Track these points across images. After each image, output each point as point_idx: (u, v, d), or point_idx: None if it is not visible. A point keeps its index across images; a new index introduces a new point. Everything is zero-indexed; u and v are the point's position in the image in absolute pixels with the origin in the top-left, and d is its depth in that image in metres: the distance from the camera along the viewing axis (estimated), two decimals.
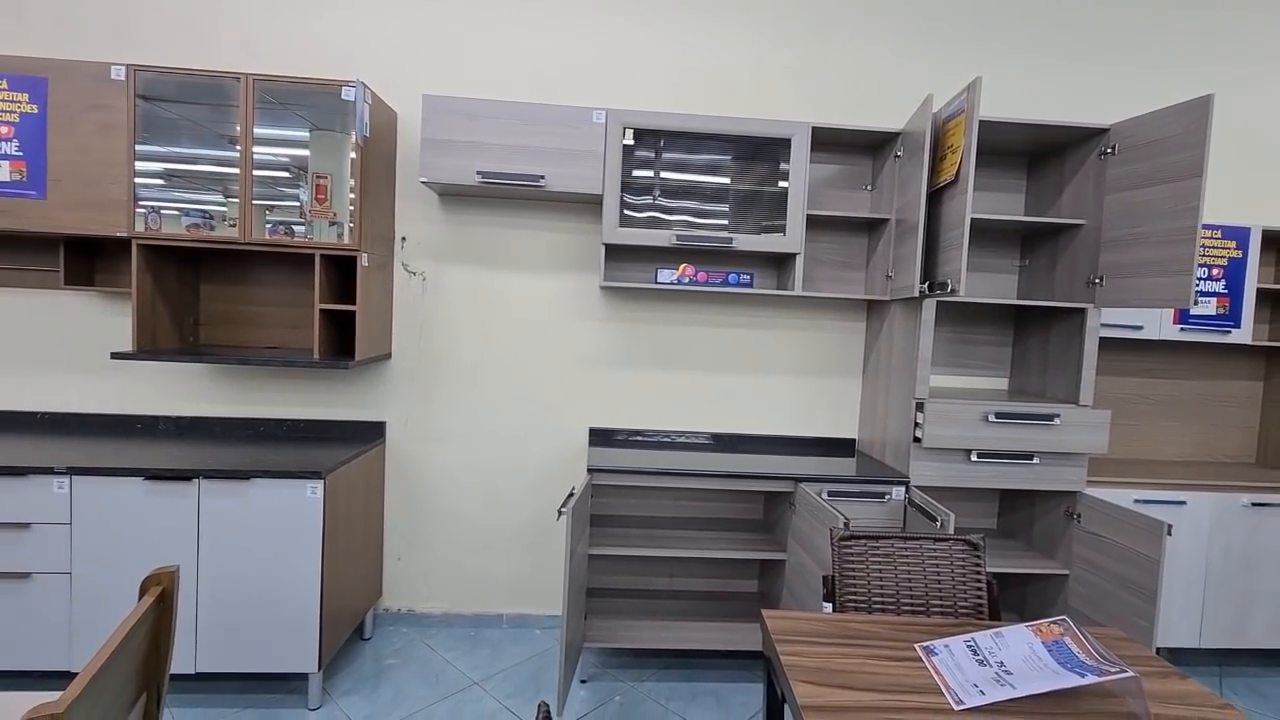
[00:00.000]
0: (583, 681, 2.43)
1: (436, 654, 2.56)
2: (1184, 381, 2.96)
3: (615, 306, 2.76)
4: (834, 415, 2.88)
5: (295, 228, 2.34)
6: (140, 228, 2.26)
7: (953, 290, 2.11)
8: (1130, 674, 1.06)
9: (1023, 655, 1.20)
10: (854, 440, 2.87)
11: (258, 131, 2.26)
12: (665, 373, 2.80)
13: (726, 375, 2.83)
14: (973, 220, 2.49)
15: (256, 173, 2.28)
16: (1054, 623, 1.25)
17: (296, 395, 2.68)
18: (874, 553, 1.65)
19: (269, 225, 2.32)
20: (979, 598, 1.63)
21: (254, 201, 2.28)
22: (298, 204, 2.36)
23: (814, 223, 2.70)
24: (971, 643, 1.26)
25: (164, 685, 1.02)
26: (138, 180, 2.26)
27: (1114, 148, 2.34)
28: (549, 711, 0.85)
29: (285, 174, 2.35)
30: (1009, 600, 2.79)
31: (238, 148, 2.25)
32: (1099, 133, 2.40)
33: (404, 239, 2.69)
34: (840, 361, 2.86)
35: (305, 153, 2.35)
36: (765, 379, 2.84)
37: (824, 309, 2.83)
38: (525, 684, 2.39)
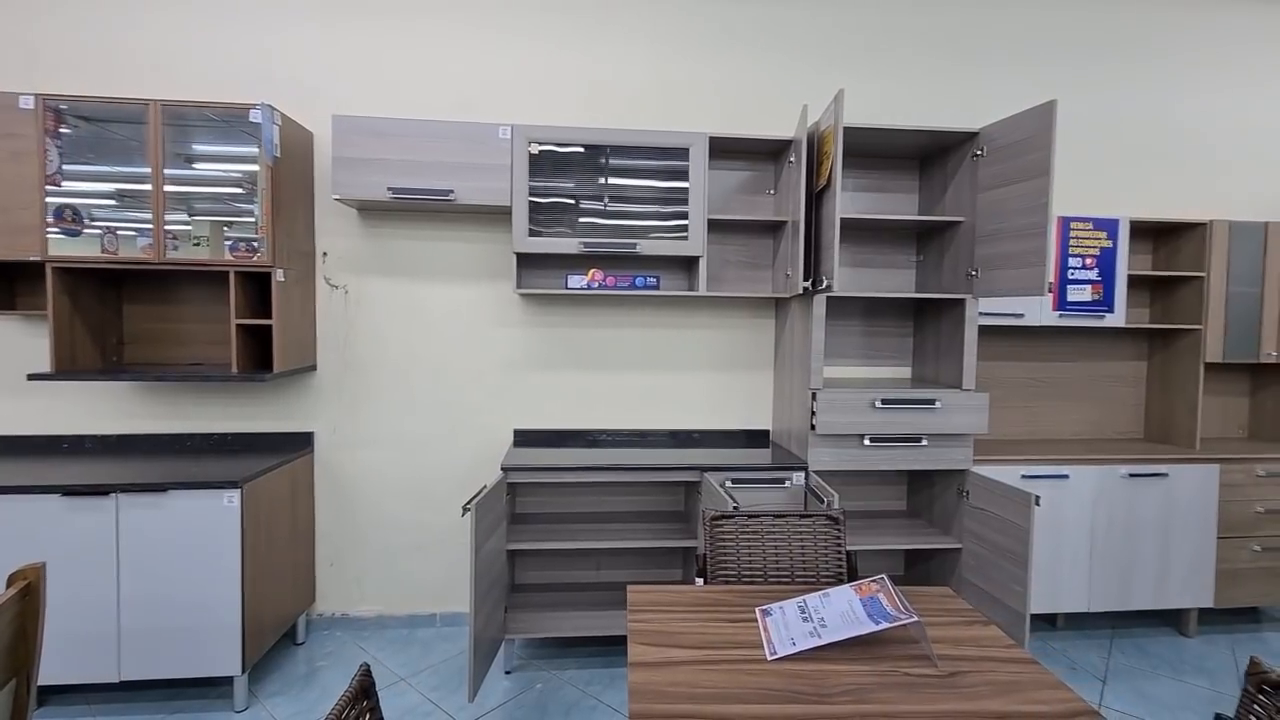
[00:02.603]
0: (507, 673, 2.53)
1: (368, 654, 2.65)
2: (1074, 364, 3.17)
3: (532, 312, 2.88)
4: (750, 408, 3.03)
5: (255, 244, 2.41)
6: (97, 250, 2.34)
7: (828, 286, 2.27)
8: (914, 619, 1.21)
9: (841, 611, 1.34)
10: (769, 431, 3.02)
11: (210, 150, 2.40)
12: (586, 374, 2.93)
13: (646, 374, 2.96)
14: (865, 220, 2.67)
15: (213, 190, 2.40)
16: (872, 581, 1.39)
17: (224, 409, 2.75)
18: (744, 531, 1.79)
19: (229, 243, 2.42)
20: (839, 566, 1.78)
21: (210, 219, 2.41)
22: (253, 220, 2.42)
23: (722, 226, 2.85)
24: (802, 603, 1.40)
25: (34, 673, 1.11)
26: (91, 202, 2.36)
27: (983, 150, 2.53)
28: (369, 669, 0.96)
29: (239, 190, 2.42)
30: (915, 574, 2.96)
31: (194, 166, 2.38)
32: (971, 136, 2.59)
33: (325, 254, 2.78)
34: (754, 357, 3.01)
35: (256, 168, 2.42)
36: (684, 376, 2.98)
37: (737, 307, 2.99)
38: (451, 677, 2.49)
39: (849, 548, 2.52)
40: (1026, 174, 2.30)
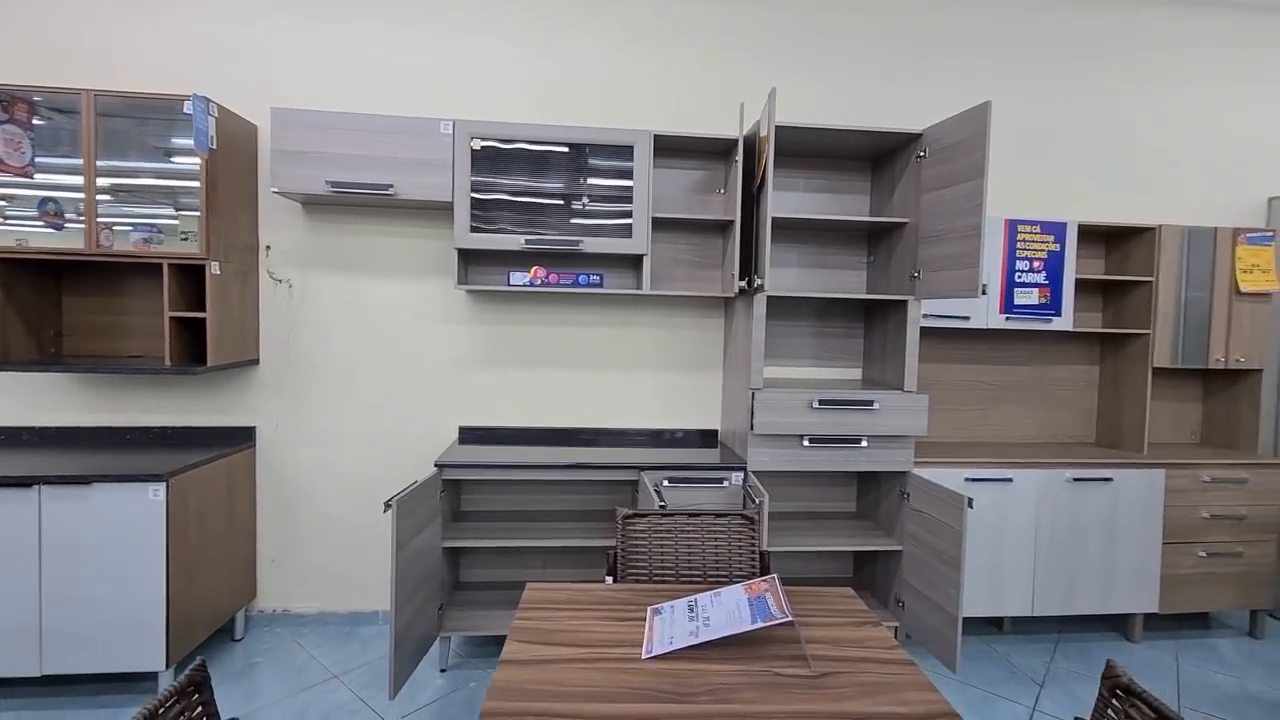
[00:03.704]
0: (442, 670, 2.51)
1: (304, 651, 2.63)
2: (1025, 368, 3.17)
3: (478, 309, 2.87)
4: (699, 408, 3.01)
5: None
6: (83, 244, 2.34)
7: (760, 286, 2.26)
8: (787, 619, 1.20)
9: (729, 610, 1.32)
10: (717, 431, 3.01)
11: (189, 144, 2.38)
12: (534, 372, 2.91)
13: (594, 373, 2.94)
14: (806, 220, 2.66)
15: (193, 184, 2.42)
16: (762, 580, 1.38)
17: (164, 403, 2.73)
18: (657, 530, 1.78)
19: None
20: (752, 565, 1.77)
21: (197, 214, 2.36)
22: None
23: (673, 224, 2.84)
24: (693, 601, 1.39)
25: None
26: (74, 195, 2.38)
27: (926, 151, 2.52)
28: (204, 664, 0.95)
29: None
30: (863, 576, 2.95)
31: (176, 160, 2.44)
32: (915, 138, 2.59)
33: (268, 248, 2.76)
34: (703, 357, 3.00)
35: None
36: (633, 375, 2.97)
37: (686, 307, 2.97)
38: (384, 675, 2.46)
39: (801, 548, 2.52)
40: (966, 175, 2.29)
